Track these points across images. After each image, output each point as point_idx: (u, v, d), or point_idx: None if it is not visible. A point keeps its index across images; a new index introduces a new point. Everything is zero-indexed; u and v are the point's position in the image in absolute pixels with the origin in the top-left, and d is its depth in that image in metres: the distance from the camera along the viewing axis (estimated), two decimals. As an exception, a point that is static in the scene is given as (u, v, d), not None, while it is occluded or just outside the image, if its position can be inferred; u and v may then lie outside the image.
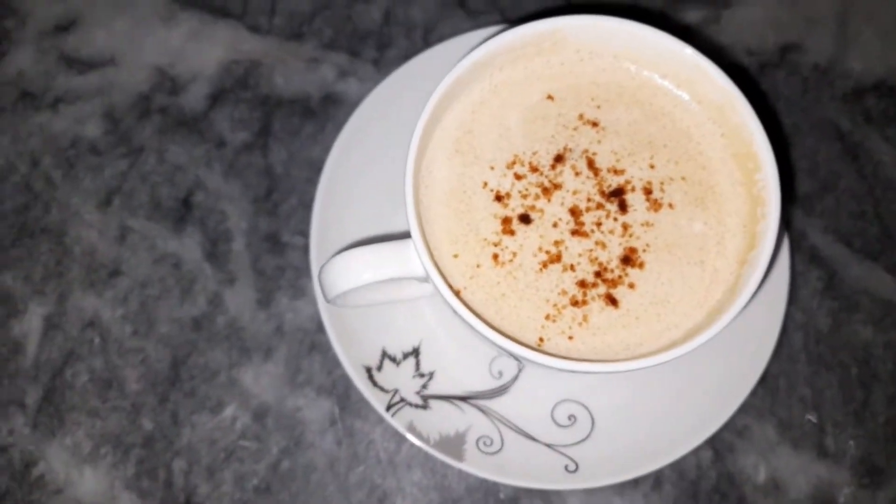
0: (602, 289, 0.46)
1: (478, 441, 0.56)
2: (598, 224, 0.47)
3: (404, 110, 0.57)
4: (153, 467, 0.59)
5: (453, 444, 0.55)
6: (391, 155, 0.57)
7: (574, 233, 0.47)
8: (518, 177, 0.48)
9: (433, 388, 0.57)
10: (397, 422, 0.55)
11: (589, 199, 0.48)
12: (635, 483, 0.59)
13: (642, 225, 0.47)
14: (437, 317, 0.59)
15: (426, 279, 0.45)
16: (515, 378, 0.58)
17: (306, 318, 0.62)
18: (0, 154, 0.66)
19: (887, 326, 0.63)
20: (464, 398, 0.57)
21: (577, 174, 0.48)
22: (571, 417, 0.57)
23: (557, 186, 0.48)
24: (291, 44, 0.70)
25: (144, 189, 0.66)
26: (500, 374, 0.58)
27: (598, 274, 0.46)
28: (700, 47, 0.69)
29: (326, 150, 0.61)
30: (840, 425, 0.61)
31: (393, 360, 0.58)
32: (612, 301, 0.46)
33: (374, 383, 0.56)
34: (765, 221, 0.45)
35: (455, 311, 0.43)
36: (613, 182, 0.48)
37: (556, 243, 0.47)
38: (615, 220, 0.47)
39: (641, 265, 0.47)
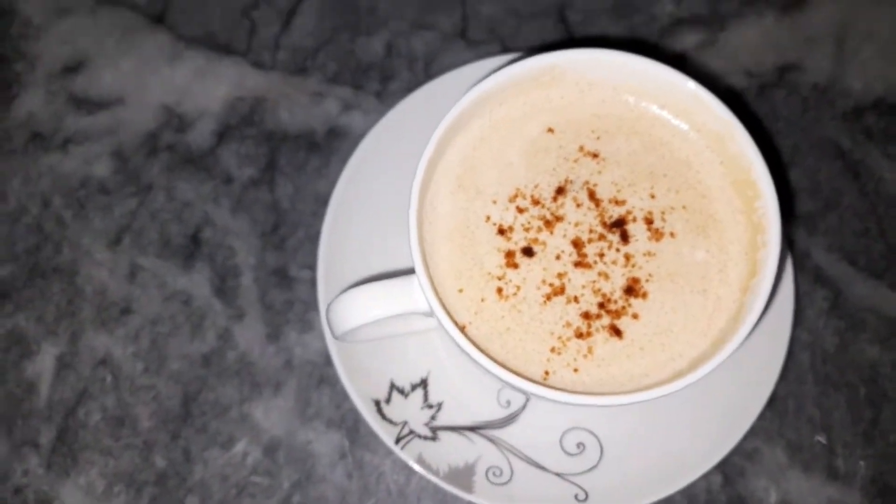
0: (606, 320, 0.47)
1: (487, 472, 0.56)
2: (601, 255, 0.48)
3: (408, 143, 0.58)
4: (167, 504, 0.60)
5: (463, 476, 0.55)
6: (396, 187, 0.57)
7: (577, 264, 0.48)
8: (520, 210, 0.49)
9: (442, 420, 0.58)
10: (406, 454, 0.55)
11: (591, 231, 0.48)
12: (647, 509, 0.59)
13: (644, 255, 0.48)
14: (444, 347, 0.60)
15: (432, 314, 0.46)
16: (524, 407, 0.59)
17: (315, 352, 0.63)
18: (12, 196, 0.67)
19: (894, 345, 0.63)
20: (472, 428, 0.58)
21: (578, 206, 0.49)
22: (580, 445, 0.57)
23: (559, 219, 0.48)
24: (295, 79, 0.71)
25: (153, 227, 0.67)
26: (509, 403, 0.59)
27: (601, 305, 0.47)
28: (697, 71, 0.71)
29: (332, 183, 0.62)
30: (850, 446, 0.60)
31: (401, 392, 0.58)
32: (617, 332, 0.46)
33: (383, 416, 0.56)
34: (765, 249, 0.45)
35: (460, 347, 0.43)
36: (615, 213, 0.49)
37: (560, 275, 0.47)
38: (617, 250, 0.48)
39: (644, 295, 0.47)
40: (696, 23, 0.72)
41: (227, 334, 0.64)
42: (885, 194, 0.68)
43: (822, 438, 0.61)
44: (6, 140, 0.69)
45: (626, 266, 0.48)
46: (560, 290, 0.47)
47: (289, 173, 0.68)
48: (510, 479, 0.56)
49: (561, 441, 0.57)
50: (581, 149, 0.50)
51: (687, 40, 0.72)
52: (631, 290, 0.47)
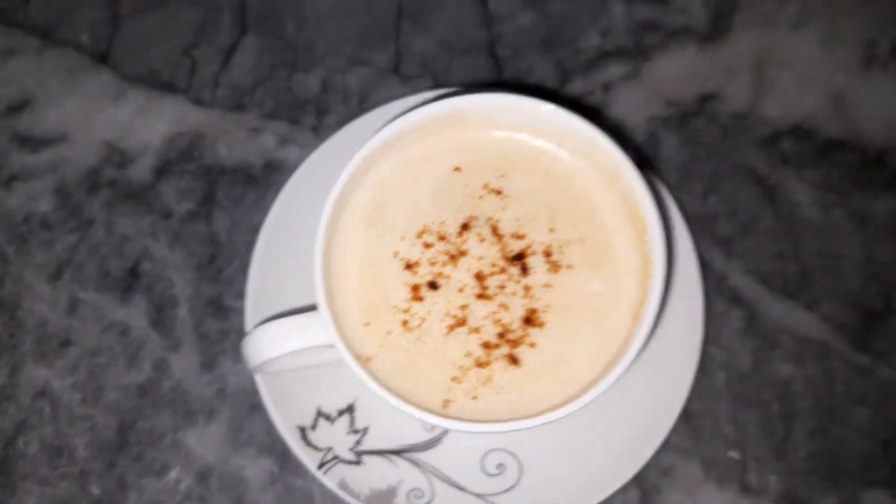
0: (505, 349, 0.49)
1: (409, 493, 0.58)
2: (502, 287, 0.50)
3: (339, 175, 0.60)
4: (103, 531, 0.61)
5: (384, 498, 0.57)
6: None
7: (479, 296, 0.50)
8: (427, 245, 0.51)
9: (367, 444, 0.60)
10: (329, 479, 0.57)
11: (493, 264, 0.51)
12: (566, 527, 0.61)
13: (543, 286, 0.50)
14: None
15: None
16: (447, 430, 0.61)
17: (248, 380, 0.65)
18: (-44, 233, 0.70)
19: (806, 362, 0.66)
20: (397, 452, 0.60)
21: (482, 240, 0.51)
22: (500, 466, 0.59)
23: (463, 253, 0.51)
24: (234, 115, 0.74)
25: (93, 261, 0.69)
26: (433, 426, 0.61)
27: (501, 335, 0.49)
28: (621, 102, 0.74)
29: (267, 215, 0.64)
30: (762, 461, 0.63)
31: (328, 418, 0.60)
32: (515, 361, 0.49)
33: (308, 442, 0.58)
34: (651, 279, 0.48)
35: (360, 381, 0.46)
36: (516, 247, 0.51)
37: (462, 307, 0.50)
38: (517, 282, 0.50)
39: (542, 325, 0.49)
40: (621, 55, 0.75)
41: (163, 364, 0.66)
42: (799, 217, 0.71)
43: (735, 454, 0.63)
44: (-49, 178, 0.71)
45: (525, 297, 0.50)
46: (462, 322, 0.50)
47: (226, 206, 0.71)
48: (431, 501, 0.58)
49: (482, 462, 0.60)
50: (486, 186, 0.53)
51: (612, 72, 0.75)
52: (529, 320, 0.50)
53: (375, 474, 0.58)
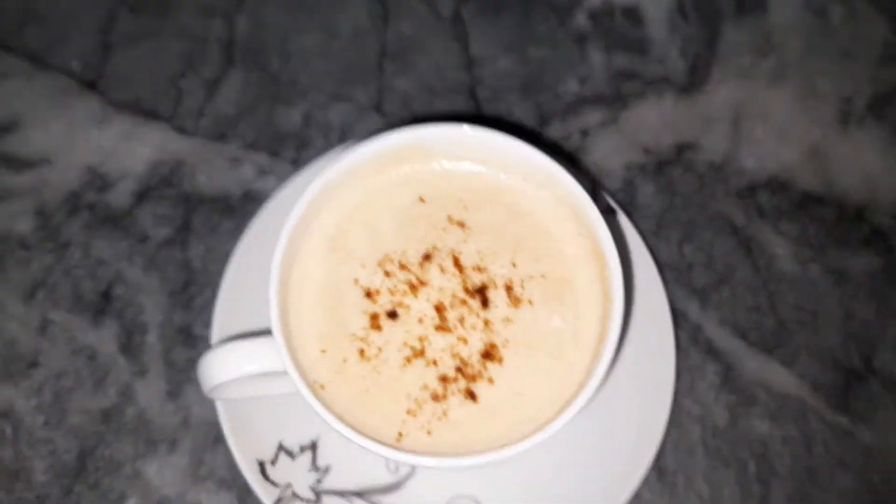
0: (462, 384, 0.49)
1: (365, 534, 0.56)
2: (461, 320, 0.50)
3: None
4: (52, 559, 0.60)
5: (339, 538, 0.56)
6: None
7: (438, 328, 0.50)
8: (388, 274, 0.51)
9: (328, 483, 0.58)
10: (284, 515, 0.56)
11: (453, 296, 0.51)
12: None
13: (503, 321, 0.50)
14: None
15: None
16: (411, 474, 0.59)
17: (212, 411, 0.64)
18: (-68, 250, 0.70)
19: (784, 420, 0.65)
20: (358, 493, 0.58)
21: (443, 272, 0.51)
22: (463, 511, 0.58)
23: (424, 283, 0.51)
24: (215, 144, 0.75)
25: (67, 283, 0.69)
26: (397, 468, 0.60)
27: (459, 369, 0.49)
28: (598, 148, 0.74)
29: (242, 244, 0.65)
30: (736, 521, 0.61)
31: (289, 453, 0.59)
32: (472, 396, 0.48)
33: (266, 477, 0.57)
34: (610, 318, 0.48)
35: (312, 408, 0.45)
36: (477, 279, 0.51)
37: (421, 339, 0.49)
38: (477, 315, 0.50)
39: (501, 360, 0.49)
40: (599, 102, 0.76)
41: (129, 390, 0.65)
42: (776, 270, 0.71)
43: (708, 512, 0.62)
44: (-67, 196, 0.72)
45: (484, 331, 0.50)
46: (420, 353, 0.49)
47: (202, 234, 0.71)
48: (388, 543, 0.56)
49: (445, 508, 0.58)
50: (449, 218, 0.53)
51: (589, 118, 0.76)
52: (488, 354, 0.49)
53: (333, 513, 0.57)
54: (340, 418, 0.46)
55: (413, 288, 0.51)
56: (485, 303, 0.50)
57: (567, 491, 0.58)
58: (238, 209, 0.72)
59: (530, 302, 0.50)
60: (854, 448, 0.64)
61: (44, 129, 0.75)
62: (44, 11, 0.81)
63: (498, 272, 0.51)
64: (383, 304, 0.50)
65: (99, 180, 0.73)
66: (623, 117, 0.76)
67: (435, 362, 0.49)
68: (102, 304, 0.68)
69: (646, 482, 0.60)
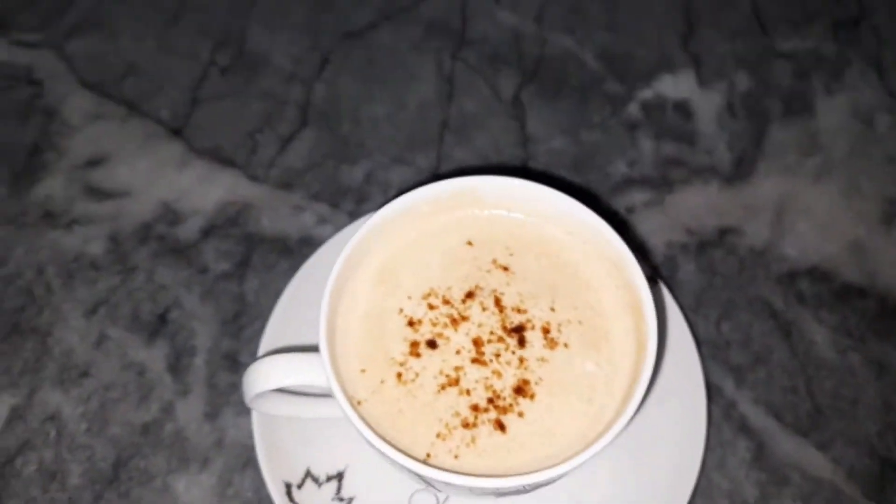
0: (493, 414, 0.50)
1: (383, 569, 0.56)
2: (497, 355, 0.52)
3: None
4: (75, 565, 0.61)
5: (356, 568, 0.56)
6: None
7: (474, 360, 0.52)
8: (431, 307, 0.54)
9: (351, 513, 0.59)
10: (305, 539, 0.57)
11: (492, 333, 0.53)
12: None
13: (538, 360, 0.52)
14: (365, 443, 0.62)
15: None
16: (434, 510, 0.60)
17: (247, 435, 0.66)
18: (12, 262, 0.75)
19: None
20: (379, 525, 0.59)
21: (484, 309, 0.54)
22: (482, 554, 0.58)
23: (465, 318, 0.53)
24: (282, 192, 0.80)
25: (128, 303, 0.73)
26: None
27: (490, 400, 0.50)
28: (642, 225, 0.77)
29: (295, 283, 0.68)
30: None
31: (316, 480, 0.60)
32: (501, 426, 0.50)
33: (291, 499, 0.58)
34: (643, 363, 0.49)
35: (348, 419, 0.47)
36: (516, 319, 0.53)
37: (457, 368, 0.51)
38: (513, 353, 0.52)
39: (532, 396, 0.50)
40: (646, 183, 0.80)
41: (170, 407, 0.68)
42: (814, 356, 0.71)
43: (729, 588, 0.60)
44: (22, 215, 0.78)
45: (519, 368, 0.51)
46: (455, 382, 0.51)
47: (259, 271, 0.75)
48: (404, 580, 0.56)
49: (464, 548, 0.58)
50: (494, 262, 0.56)
51: (635, 198, 0.79)
52: (520, 389, 0.51)
53: (352, 543, 0.57)
54: (373, 432, 0.47)
55: (454, 322, 0.53)
56: (521, 342, 0.52)
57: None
58: (295, 251, 0.76)
59: (566, 345, 0.52)
60: (887, 541, 0.62)
61: (129, 166, 0.82)
62: (144, 66, 0.90)
63: (537, 315, 0.53)
64: (424, 333, 0.53)
65: (171, 215, 0.79)
66: (668, 199, 0.79)
67: (468, 392, 0.51)
68: (157, 326, 0.72)
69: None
